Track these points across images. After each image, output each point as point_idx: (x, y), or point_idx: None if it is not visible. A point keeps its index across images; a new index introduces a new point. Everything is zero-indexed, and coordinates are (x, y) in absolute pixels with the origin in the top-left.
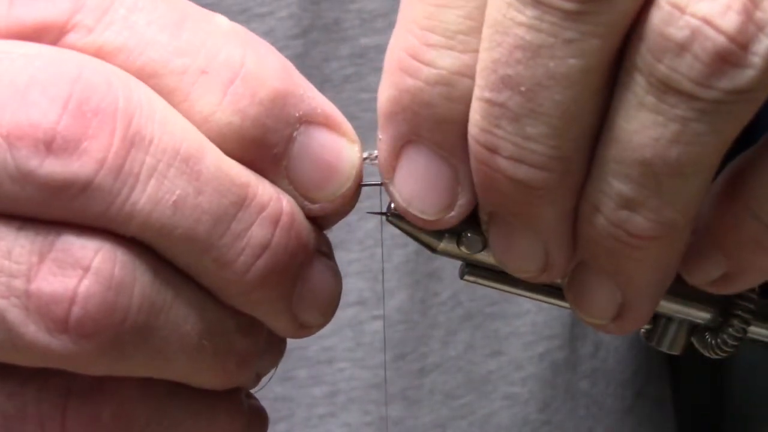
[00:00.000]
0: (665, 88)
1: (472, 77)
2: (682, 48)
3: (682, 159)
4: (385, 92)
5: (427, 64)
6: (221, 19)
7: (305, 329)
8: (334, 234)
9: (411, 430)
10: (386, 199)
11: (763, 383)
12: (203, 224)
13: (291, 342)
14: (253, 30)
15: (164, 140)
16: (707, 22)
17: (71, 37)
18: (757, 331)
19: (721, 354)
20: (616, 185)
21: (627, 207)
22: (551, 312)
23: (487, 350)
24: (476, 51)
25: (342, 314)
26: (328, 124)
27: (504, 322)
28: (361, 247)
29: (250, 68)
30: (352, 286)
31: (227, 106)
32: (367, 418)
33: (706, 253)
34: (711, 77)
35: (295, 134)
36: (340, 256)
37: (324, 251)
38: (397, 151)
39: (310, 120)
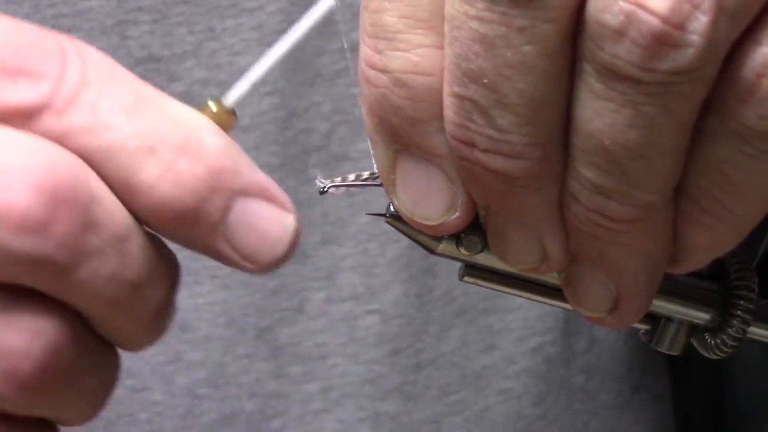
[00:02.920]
0: (610, 74)
1: (425, 73)
2: (619, 34)
3: (641, 142)
4: (363, 108)
5: (382, 70)
6: (173, 104)
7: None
8: (327, 229)
9: (406, 426)
10: (386, 199)
11: (763, 383)
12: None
13: (284, 338)
14: (242, 25)
15: (109, 225)
16: (640, 5)
17: (44, 119)
18: (756, 331)
19: (721, 354)
20: (586, 173)
21: (601, 193)
22: (543, 307)
23: (480, 345)
24: (420, 46)
25: (336, 309)
26: (263, 196)
27: (497, 317)
28: (354, 242)
29: (192, 147)
30: (345, 282)
31: (168, 179)
32: (361, 414)
33: None
34: (651, 60)
35: (231, 204)
36: (333, 251)
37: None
38: (392, 164)
39: (246, 192)
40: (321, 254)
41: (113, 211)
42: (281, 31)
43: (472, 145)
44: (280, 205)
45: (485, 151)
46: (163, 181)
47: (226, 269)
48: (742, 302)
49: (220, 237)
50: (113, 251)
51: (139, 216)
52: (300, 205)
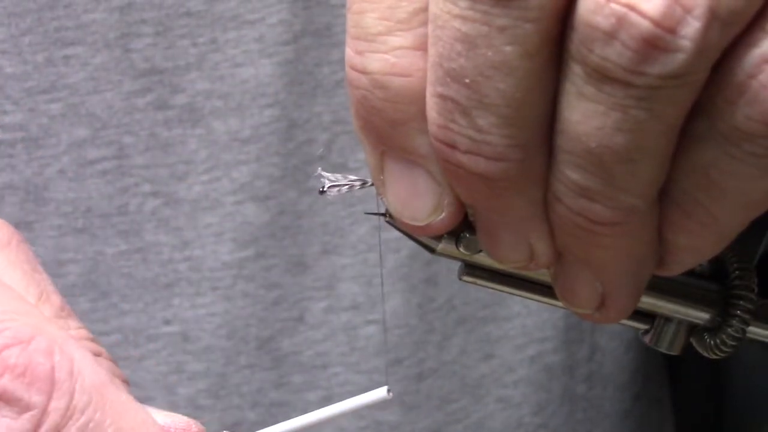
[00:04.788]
0: (600, 76)
1: (403, 75)
2: (610, 36)
3: (628, 146)
4: (351, 110)
5: (362, 72)
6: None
7: None
8: (327, 239)
9: None
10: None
11: (763, 383)
12: None
13: (285, 348)
14: (244, 36)
15: None
16: (632, 8)
17: None
18: (756, 331)
19: (720, 354)
20: (571, 175)
21: (584, 195)
22: (541, 315)
23: (479, 354)
24: (399, 48)
25: (336, 319)
26: None
27: (495, 326)
28: (354, 252)
29: None
30: (345, 291)
31: None
32: (361, 423)
33: None
34: (642, 64)
35: None
36: (334, 261)
37: None
38: (380, 164)
39: None
40: (321, 264)
41: None
42: (282, 42)
43: (453, 146)
44: None
45: (466, 152)
46: None
47: (227, 280)
48: (741, 302)
49: None
50: None
51: None
52: (301, 216)
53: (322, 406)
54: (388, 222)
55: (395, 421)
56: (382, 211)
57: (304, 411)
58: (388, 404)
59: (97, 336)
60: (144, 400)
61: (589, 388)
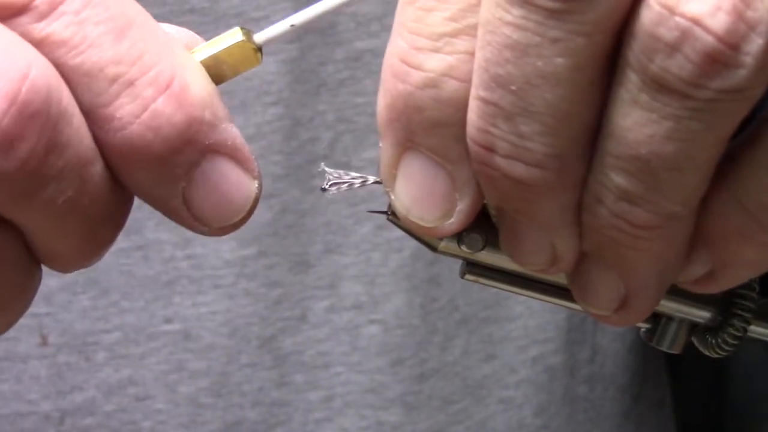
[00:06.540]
0: (658, 86)
1: (460, 79)
2: (672, 49)
3: (677, 155)
4: (382, 100)
5: (416, 68)
6: (163, 31)
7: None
8: (330, 238)
9: None
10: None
11: (763, 383)
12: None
13: (287, 347)
14: None
15: (74, 148)
16: (697, 22)
17: (23, 20)
18: (757, 330)
19: (721, 353)
20: (615, 179)
21: (627, 199)
22: (544, 316)
23: (482, 355)
24: (462, 53)
25: (338, 318)
26: (234, 157)
27: (497, 327)
28: (357, 252)
29: (174, 90)
30: (348, 291)
31: (144, 121)
32: (363, 423)
33: (690, 250)
34: (702, 77)
35: (201, 161)
36: (336, 260)
37: None
38: (397, 159)
39: (217, 150)
40: (324, 263)
41: (80, 134)
42: (287, 41)
43: (492, 150)
44: (248, 169)
45: (506, 156)
46: (137, 121)
47: (228, 279)
48: (742, 301)
49: (179, 192)
50: (74, 176)
51: (100, 147)
52: (303, 215)
53: (324, 407)
54: (390, 220)
55: (397, 422)
56: (380, 208)
57: (306, 411)
58: (390, 404)
59: (97, 334)
60: (144, 398)
61: (590, 390)
